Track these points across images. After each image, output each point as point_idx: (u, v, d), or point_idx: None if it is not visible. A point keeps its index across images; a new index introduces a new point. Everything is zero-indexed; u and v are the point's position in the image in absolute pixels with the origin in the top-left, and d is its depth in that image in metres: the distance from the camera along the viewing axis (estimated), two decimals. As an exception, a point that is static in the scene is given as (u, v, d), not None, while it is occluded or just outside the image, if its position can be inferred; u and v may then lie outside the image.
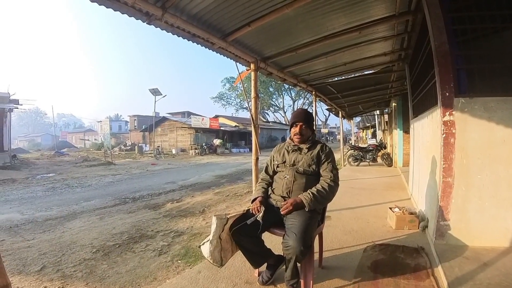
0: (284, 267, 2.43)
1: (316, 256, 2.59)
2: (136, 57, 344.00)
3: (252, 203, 2.48)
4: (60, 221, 5.51)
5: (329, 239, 3.37)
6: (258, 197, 2.51)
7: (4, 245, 4.20)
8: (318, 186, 2.31)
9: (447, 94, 2.91)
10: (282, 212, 2.25)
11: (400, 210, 3.89)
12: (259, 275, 2.54)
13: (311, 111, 2.80)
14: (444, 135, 2.92)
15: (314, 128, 2.73)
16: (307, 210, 2.20)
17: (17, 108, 18.20)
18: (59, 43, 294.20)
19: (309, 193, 2.25)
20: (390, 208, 4.02)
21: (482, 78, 2.93)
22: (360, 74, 6.78)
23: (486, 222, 2.86)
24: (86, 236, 4.50)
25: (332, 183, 2.32)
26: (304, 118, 2.51)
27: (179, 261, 3.46)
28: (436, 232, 3.04)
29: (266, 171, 2.72)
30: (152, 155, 24.88)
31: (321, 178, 2.40)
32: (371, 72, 6.67)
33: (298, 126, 2.50)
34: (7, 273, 1.73)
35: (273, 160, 2.65)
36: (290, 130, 2.61)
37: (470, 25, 3.03)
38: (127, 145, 35.77)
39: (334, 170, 2.41)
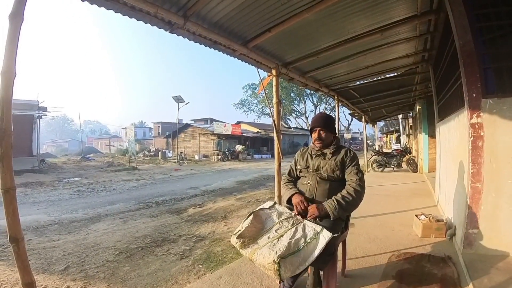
0: (306, 274, 2.40)
1: (339, 264, 2.53)
2: (160, 65, 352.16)
3: (287, 202, 2.41)
4: (85, 223, 5.68)
5: (353, 247, 3.29)
6: (295, 193, 2.38)
7: (31, 245, 4.36)
8: (344, 192, 2.22)
9: (474, 95, 2.80)
10: (308, 218, 2.14)
11: (426, 217, 3.76)
12: (280, 282, 2.51)
13: (333, 115, 2.75)
14: (472, 138, 2.81)
15: (338, 133, 2.68)
16: (332, 219, 2.12)
17: (46, 115, 18.94)
18: (86, 53, 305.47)
19: (333, 200, 2.15)
20: (416, 216, 3.90)
21: (511, 77, 2.80)
22: (383, 77, 6.65)
23: (519, 230, 2.72)
24: (110, 239, 4.61)
25: (358, 187, 2.23)
26: (322, 122, 2.48)
27: (200, 266, 3.48)
28: (464, 241, 2.91)
29: (290, 174, 2.68)
30: (175, 161, 25.23)
31: (346, 182, 2.35)
32: (394, 75, 6.54)
33: (317, 131, 2.47)
34: (32, 271, 1.79)
35: (296, 165, 2.61)
36: (311, 136, 2.58)
37: (496, 22, 2.91)
38: (151, 151, 36.50)
39: (360, 173, 2.34)
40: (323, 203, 2.17)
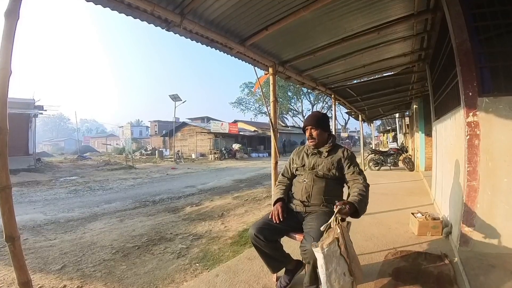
0: (303, 272, 2.41)
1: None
2: (157, 64, 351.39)
3: (274, 206, 2.45)
4: (82, 222, 5.66)
5: (349, 245, 3.31)
6: (279, 201, 2.46)
7: (27, 244, 4.34)
8: (356, 189, 2.24)
9: (470, 93, 2.81)
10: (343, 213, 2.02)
11: (422, 215, 3.78)
12: (277, 280, 2.52)
13: (328, 114, 2.77)
14: (468, 137, 2.83)
15: (334, 131, 2.69)
16: (360, 215, 2.13)
17: (42, 113, 18.83)
18: (83, 51, 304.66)
19: (357, 197, 2.14)
20: (413, 214, 3.91)
21: (507, 76, 2.81)
22: (379, 76, 6.65)
23: (514, 228, 2.74)
24: (106, 237, 4.60)
25: (365, 183, 2.30)
26: (313, 121, 2.49)
27: (197, 264, 3.48)
28: (460, 239, 2.93)
29: (283, 174, 2.70)
30: (172, 159, 25.19)
31: (351, 182, 2.36)
32: (390, 73, 6.54)
33: (308, 129, 2.49)
34: (29, 270, 1.78)
35: (292, 163, 2.63)
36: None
37: (492, 21, 2.92)
38: (148, 149, 36.42)
39: (362, 172, 2.41)
40: (352, 202, 2.11)
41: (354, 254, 2.04)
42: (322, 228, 1.96)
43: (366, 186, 2.28)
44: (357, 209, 2.08)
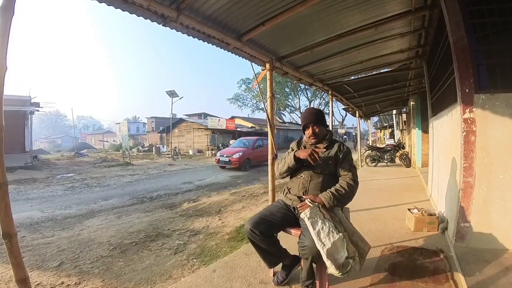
0: (299, 267, 2.41)
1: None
2: (155, 61, 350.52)
3: (295, 160, 2.40)
4: (79, 219, 5.65)
5: (346, 240, 3.32)
6: (296, 151, 2.46)
7: (24, 241, 4.33)
8: (337, 185, 2.26)
9: (467, 90, 2.82)
10: (299, 207, 2.23)
11: (419, 211, 3.80)
12: (274, 275, 2.53)
13: (326, 111, 2.76)
14: (465, 133, 2.84)
15: (331, 127, 2.68)
16: (327, 207, 2.16)
17: (38, 110, 18.64)
18: (79, 48, 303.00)
19: (328, 192, 2.20)
20: (409, 210, 3.93)
21: (504, 74, 2.83)
22: (377, 72, 6.65)
23: (509, 224, 2.76)
24: (104, 234, 4.60)
25: (351, 182, 2.28)
26: (314, 118, 2.48)
27: (195, 260, 3.49)
28: (456, 234, 2.96)
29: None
30: (169, 156, 25.14)
31: (340, 178, 2.37)
32: (388, 70, 6.54)
33: (310, 127, 2.47)
34: (26, 267, 1.78)
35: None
36: (304, 132, 2.58)
37: (490, 19, 2.93)
38: (145, 146, 36.25)
39: (353, 168, 2.37)
40: (319, 195, 2.22)
41: (355, 229, 2.18)
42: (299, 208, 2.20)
43: (351, 184, 2.27)
44: (329, 203, 2.16)
